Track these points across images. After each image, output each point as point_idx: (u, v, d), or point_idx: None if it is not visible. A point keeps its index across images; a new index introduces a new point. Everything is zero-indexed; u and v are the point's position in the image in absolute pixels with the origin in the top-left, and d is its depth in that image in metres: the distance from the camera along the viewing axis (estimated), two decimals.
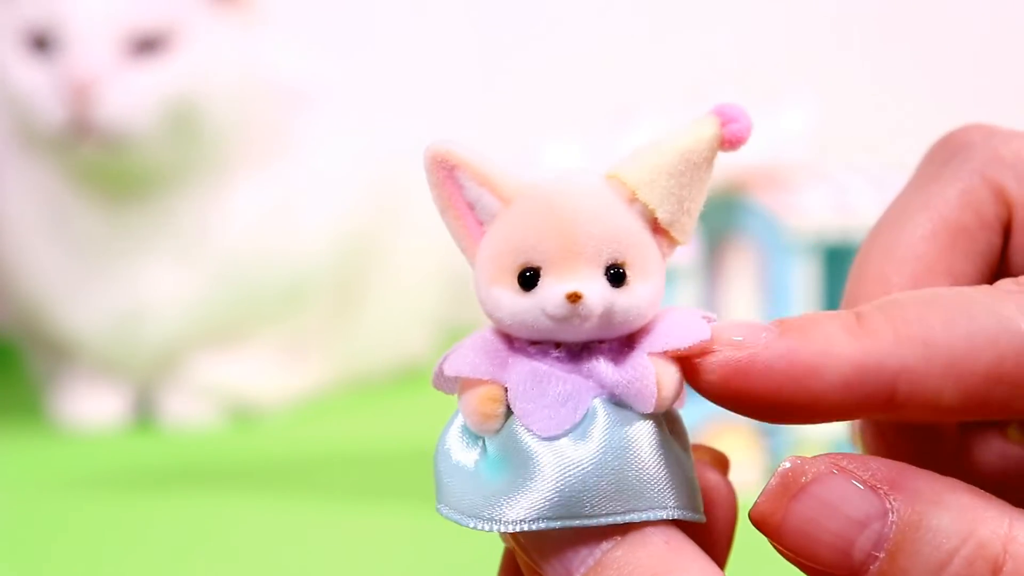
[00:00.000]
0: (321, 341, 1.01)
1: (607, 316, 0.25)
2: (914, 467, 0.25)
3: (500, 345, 0.26)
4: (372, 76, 1.21)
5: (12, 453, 0.89)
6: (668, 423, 0.26)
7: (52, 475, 0.84)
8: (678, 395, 0.26)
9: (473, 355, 0.26)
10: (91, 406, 0.94)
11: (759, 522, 0.25)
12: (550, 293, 0.25)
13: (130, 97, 0.87)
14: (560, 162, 0.76)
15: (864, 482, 0.25)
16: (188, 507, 0.76)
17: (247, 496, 0.78)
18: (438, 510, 0.26)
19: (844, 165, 0.84)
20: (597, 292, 0.25)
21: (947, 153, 0.29)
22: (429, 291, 1.07)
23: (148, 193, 0.91)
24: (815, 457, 0.25)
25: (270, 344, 0.98)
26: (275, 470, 0.84)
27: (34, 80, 0.87)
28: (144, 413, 0.96)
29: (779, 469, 0.25)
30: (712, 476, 0.28)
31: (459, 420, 0.27)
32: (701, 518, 0.26)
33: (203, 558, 0.69)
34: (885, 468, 0.25)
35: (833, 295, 0.82)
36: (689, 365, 0.26)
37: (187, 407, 0.95)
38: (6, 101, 0.90)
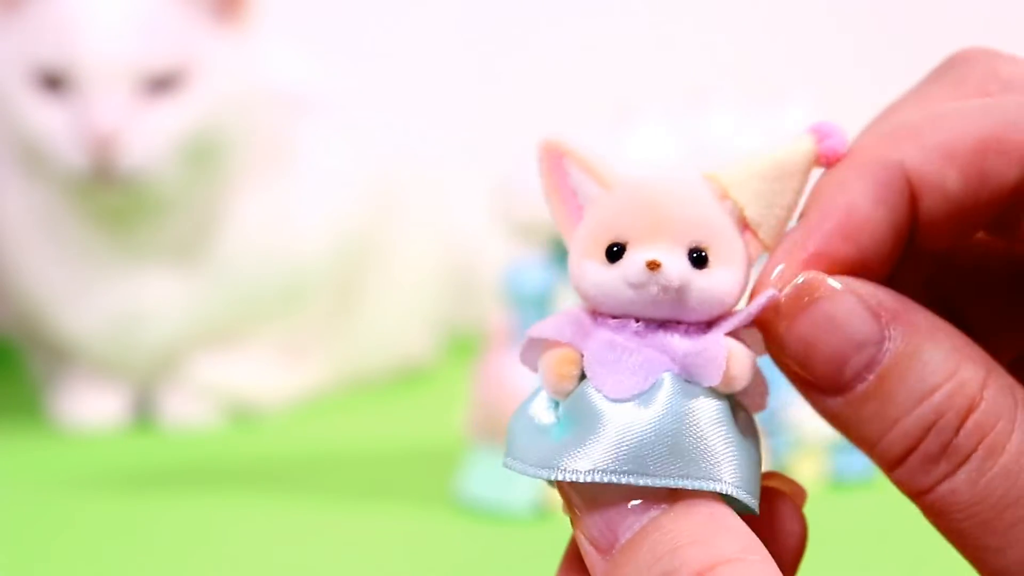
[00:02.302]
0: (320, 341, 1.01)
1: (684, 291, 0.27)
2: (919, 304, 0.27)
3: (585, 319, 0.28)
4: (371, 76, 1.21)
5: (12, 453, 0.89)
6: (738, 412, 0.27)
7: (52, 475, 0.84)
8: (748, 379, 0.27)
9: (558, 322, 0.28)
10: (91, 406, 0.94)
11: (767, 321, 0.27)
12: (632, 262, 0.27)
13: (150, 140, 0.86)
14: None
15: (870, 307, 0.27)
16: (188, 507, 0.76)
17: (247, 496, 0.78)
18: (504, 463, 0.28)
19: None
20: (676, 265, 0.27)
21: (948, 66, 0.30)
22: (428, 291, 1.08)
23: (152, 210, 0.91)
24: (832, 276, 0.27)
25: (270, 344, 0.98)
26: (275, 470, 0.84)
27: (51, 123, 0.86)
28: (144, 413, 0.96)
29: (797, 280, 0.27)
30: (785, 507, 0.29)
31: (542, 394, 0.28)
32: (754, 507, 0.27)
33: (203, 558, 0.69)
34: (891, 299, 0.27)
35: None
36: (770, 324, 0.27)
37: (187, 407, 0.95)
38: (17, 138, 0.89)
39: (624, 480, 0.26)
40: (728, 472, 0.26)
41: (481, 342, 0.84)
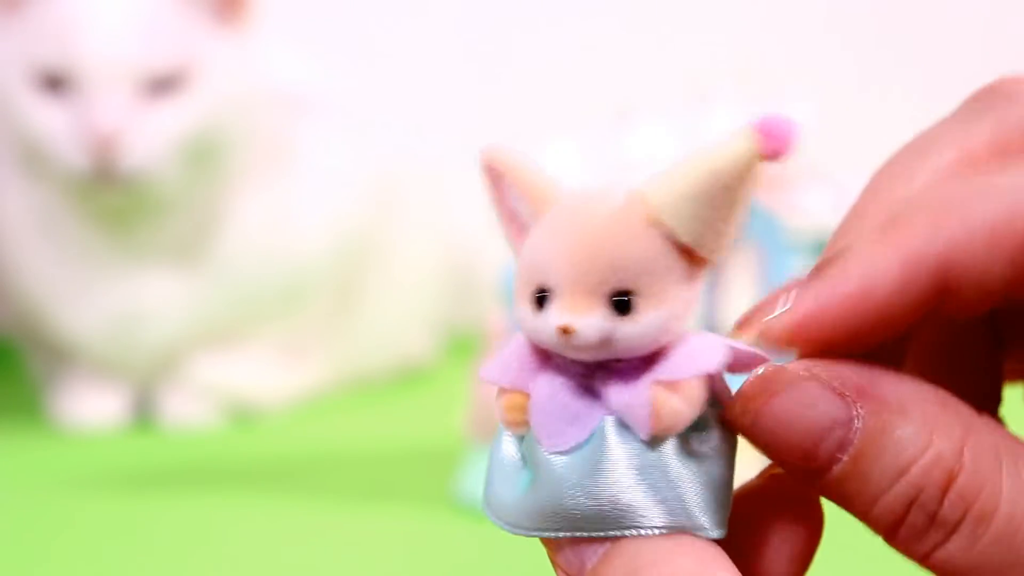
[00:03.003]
0: (320, 341, 1.01)
1: (607, 344, 0.26)
2: (885, 371, 0.26)
3: (533, 353, 0.27)
4: (371, 76, 1.21)
5: (12, 453, 0.89)
6: (700, 435, 0.26)
7: (52, 475, 0.84)
8: (688, 417, 0.26)
9: (506, 362, 0.27)
10: (91, 406, 0.94)
11: (737, 415, 0.26)
12: (546, 323, 0.26)
13: (151, 141, 0.87)
14: (560, 162, 0.76)
15: (833, 389, 0.26)
16: (188, 507, 0.76)
17: (247, 496, 0.78)
18: (483, 510, 0.27)
19: (844, 165, 0.84)
20: (593, 325, 0.25)
21: (988, 99, 0.29)
22: (428, 291, 1.07)
23: (153, 210, 0.91)
24: (792, 363, 0.26)
25: (270, 344, 0.98)
26: (275, 470, 0.84)
27: (52, 123, 0.86)
28: (144, 413, 0.96)
29: (759, 371, 0.26)
30: (787, 507, 0.28)
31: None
32: (717, 533, 0.26)
33: (203, 558, 0.69)
34: (855, 375, 0.26)
35: None
36: (756, 328, 0.27)
37: (187, 407, 0.95)
38: (18, 138, 0.89)
39: (563, 535, 0.26)
40: (687, 506, 0.26)
41: (481, 342, 0.84)
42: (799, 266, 0.76)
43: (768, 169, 0.26)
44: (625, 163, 0.76)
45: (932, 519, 0.25)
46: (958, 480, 0.25)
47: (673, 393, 0.26)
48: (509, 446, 0.27)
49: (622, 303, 0.25)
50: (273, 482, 0.81)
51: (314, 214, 0.97)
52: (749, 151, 0.25)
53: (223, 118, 0.90)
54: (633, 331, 0.26)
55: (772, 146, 0.25)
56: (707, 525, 0.26)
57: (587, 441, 0.26)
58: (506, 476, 0.27)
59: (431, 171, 1.11)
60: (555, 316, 0.26)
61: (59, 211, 0.91)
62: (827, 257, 0.27)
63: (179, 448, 0.90)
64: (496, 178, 0.27)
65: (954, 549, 0.26)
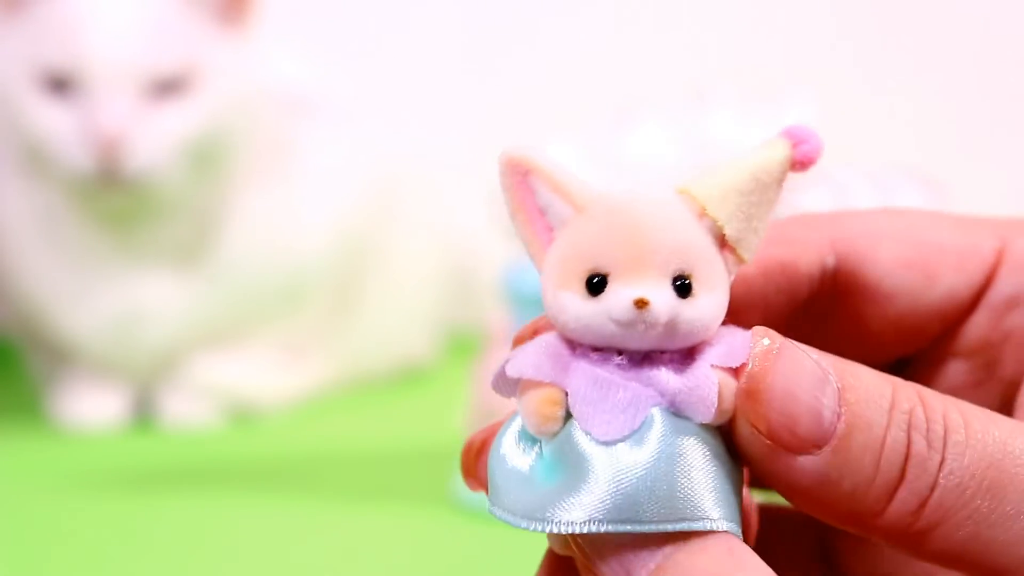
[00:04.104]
0: (320, 341, 1.01)
1: (672, 325, 0.25)
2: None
3: (563, 350, 0.26)
4: (371, 77, 1.21)
5: (12, 453, 0.89)
6: (719, 434, 0.26)
7: (52, 475, 0.84)
8: (733, 410, 0.26)
9: (536, 357, 0.26)
10: (91, 406, 0.94)
11: (751, 391, 0.26)
12: (617, 298, 0.25)
13: (156, 143, 0.86)
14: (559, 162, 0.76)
15: (805, 351, 0.26)
16: (188, 507, 0.76)
17: (247, 496, 0.78)
18: (490, 511, 0.27)
19: (844, 165, 0.84)
20: (664, 300, 0.25)
21: None
22: (428, 291, 1.07)
23: (155, 211, 0.91)
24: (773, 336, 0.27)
25: (270, 344, 0.98)
26: (275, 470, 0.84)
27: (57, 124, 0.86)
28: (144, 413, 0.96)
29: (763, 341, 0.26)
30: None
31: (516, 424, 0.27)
32: (740, 535, 0.26)
33: (203, 558, 0.69)
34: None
35: None
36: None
37: (187, 407, 0.95)
38: (21, 138, 0.88)
39: (622, 529, 0.25)
40: (721, 509, 0.25)
41: (481, 342, 0.84)
42: None
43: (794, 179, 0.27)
44: (625, 163, 0.76)
45: (930, 444, 0.26)
46: (933, 407, 0.26)
47: (728, 374, 0.26)
48: (511, 445, 0.27)
49: (684, 285, 0.26)
50: (273, 482, 0.81)
51: (314, 214, 0.97)
52: (784, 155, 0.27)
53: (227, 120, 0.90)
54: (694, 313, 0.26)
55: (803, 151, 0.27)
56: (739, 525, 0.26)
57: (639, 429, 0.25)
58: (518, 473, 0.26)
59: (431, 171, 1.11)
60: (626, 291, 0.25)
61: (59, 211, 0.91)
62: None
63: (179, 448, 0.90)
64: (521, 176, 0.27)
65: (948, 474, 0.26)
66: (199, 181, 0.91)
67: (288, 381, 0.99)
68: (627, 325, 0.25)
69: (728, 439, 0.27)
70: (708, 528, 0.25)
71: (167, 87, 0.87)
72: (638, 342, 0.26)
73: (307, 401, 0.99)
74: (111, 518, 0.75)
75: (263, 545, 0.71)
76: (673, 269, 0.26)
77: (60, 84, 0.87)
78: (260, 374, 0.97)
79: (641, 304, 0.25)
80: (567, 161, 0.75)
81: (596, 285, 0.26)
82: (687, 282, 0.26)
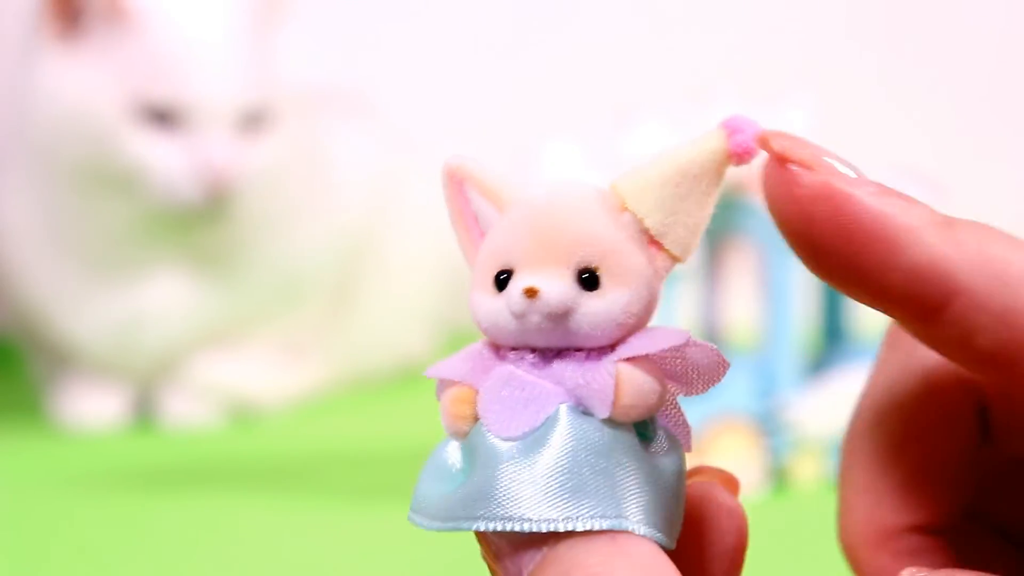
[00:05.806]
0: (320, 341, 1.01)
1: (569, 316, 0.25)
2: None
3: (488, 354, 0.26)
4: (371, 77, 1.21)
5: (12, 453, 0.89)
6: (656, 443, 0.26)
7: (52, 475, 0.84)
8: (652, 405, 0.25)
9: (457, 360, 0.27)
10: (91, 406, 0.94)
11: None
12: (511, 290, 0.25)
13: (253, 175, 0.90)
14: (560, 162, 0.76)
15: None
16: (188, 507, 0.76)
17: (247, 496, 0.78)
18: (408, 518, 0.26)
19: None
20: (556, 289, 0.25)
21: None
22: (428, 291, 1.08)
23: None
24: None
25: (269, 344, 0.98)
26: (275, 470, 0.84)
27: (164, 157, 0.87)
28: (144, 413, 0.96)
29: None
30: (722, 496, 0.27)
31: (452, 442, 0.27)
32: (664, 543, 0.25)
33: (203, 558, 0.69)
34: None
35: (833, 295, 0.82)
36: (786, 173, 0.26)
37: (187, 407, 0.95)
38: (105, 164, 0.88)
39: (510, 527, 0.24)
40: (624, 508, 0.24)
41: None
42: (799, 266, 0.76)
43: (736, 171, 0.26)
44: (625, 163, 0.76)
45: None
46: None
47: (636, 367, 0.25)
48: (454, 452, 0.26)
49: (589, 278, 0.25)
50: (273, 482, 0.81)
51: (313, 214, 0.97)
52: (716, 146, 0.26)
53: (300, 146, 0.93)
54: (597, 307, 0.25)
55: (737, 142, 0.25)
56: (660, 530, 0.25)
57: (540, 427, 0.25)
58: (440, 477, 0.26)
59: (430, 170, 1.11)
60: (521, 281, 0.25)
61: (59, 208, 0.91)
62: (894, 191, 0.27)
63: (179, 448, 0.90)
64: (458, 186, 0.27)
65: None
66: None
67: (288, 381, 0.99)
68: (519, 316, 0.25)
69: (675, 450, 0.26)
70: (597, 527, 0.24)
71: (255, 119, 0.90)
72: (542, 337, 0.25)
73: (307, 401, 0.99)
74: (111, 518, 0.75)
75: (263, 545, 0.71)
76: (577, 261, 0.25)
77: (161, 116, 0.88)
78: (260, 374, 0.97)
79: (530, 293, 0.25)
80: (567, 161, 0.75)
81: (503, 281, 0.25)
82: (593, 274, 0.25)
